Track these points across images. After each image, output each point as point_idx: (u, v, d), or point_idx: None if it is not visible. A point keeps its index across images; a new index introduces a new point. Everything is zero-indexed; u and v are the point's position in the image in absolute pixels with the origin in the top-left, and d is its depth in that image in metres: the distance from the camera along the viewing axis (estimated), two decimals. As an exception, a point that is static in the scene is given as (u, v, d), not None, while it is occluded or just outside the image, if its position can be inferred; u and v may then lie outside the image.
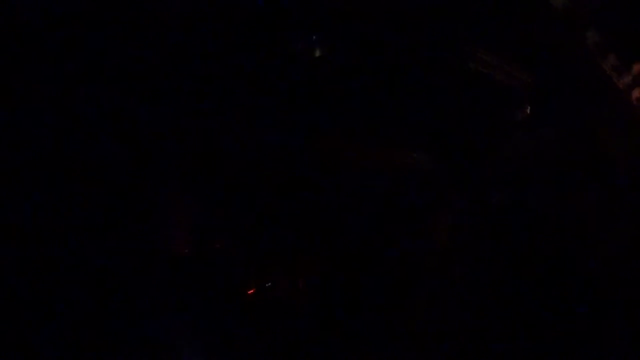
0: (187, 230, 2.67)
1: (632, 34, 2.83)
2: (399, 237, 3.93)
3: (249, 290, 2.91)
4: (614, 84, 2.95)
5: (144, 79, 2.32)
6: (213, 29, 2.43)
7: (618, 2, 2.80)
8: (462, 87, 3.12)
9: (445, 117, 3.55)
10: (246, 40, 2.54)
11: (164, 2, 2.26)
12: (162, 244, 2.47)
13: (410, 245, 3.75)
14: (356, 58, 2.81)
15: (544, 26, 2.77)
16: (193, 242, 2.65)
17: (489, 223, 3.41)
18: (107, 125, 2.18)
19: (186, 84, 2.55)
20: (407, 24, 2.68)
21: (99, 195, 2.15)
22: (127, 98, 2.34)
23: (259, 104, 3.10)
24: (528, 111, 3.17)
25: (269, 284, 3.01)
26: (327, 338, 2.64)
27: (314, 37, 2.49)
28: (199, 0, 2.33)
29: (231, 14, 2.41)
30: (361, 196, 4.29)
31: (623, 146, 2.69)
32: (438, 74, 3.01)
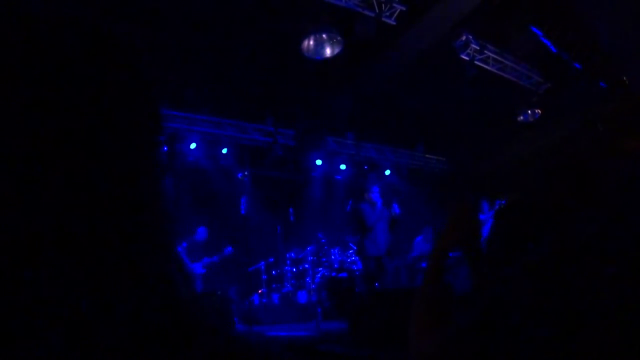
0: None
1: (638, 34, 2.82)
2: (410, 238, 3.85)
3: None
4: (622, 81, 2.94)
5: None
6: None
7: (621, 1, 2.81)
8: (473, 88, 3.11)
9: (455, 118, 3.53)
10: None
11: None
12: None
13: (423, 247, 3.66)
14: (363, 58, 2.82)
15: (554, 27, 2.77)
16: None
17: (500, 224, 3.32)
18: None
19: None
20: (414, 24, 2.69)
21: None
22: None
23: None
24: (538, 111, 3.14)
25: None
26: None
27: (324, 36, 2.49)
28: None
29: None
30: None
31: (631, 144, 2.64)
32: (448, 75, 3.01)
